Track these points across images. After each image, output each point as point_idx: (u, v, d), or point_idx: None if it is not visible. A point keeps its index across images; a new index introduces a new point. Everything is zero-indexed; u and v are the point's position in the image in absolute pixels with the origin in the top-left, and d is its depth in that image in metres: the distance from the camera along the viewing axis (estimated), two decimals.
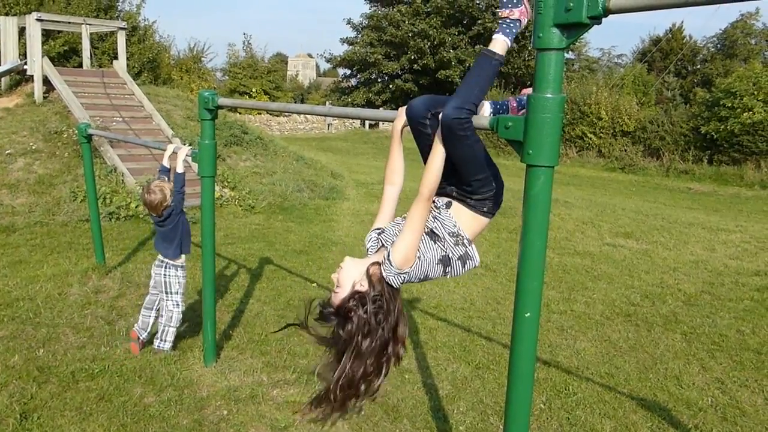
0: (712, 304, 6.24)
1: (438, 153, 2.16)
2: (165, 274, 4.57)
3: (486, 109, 2.39)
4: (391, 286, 2.21)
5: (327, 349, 2.26)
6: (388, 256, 2.17)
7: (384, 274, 2.19)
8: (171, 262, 4.59)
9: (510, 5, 2.25)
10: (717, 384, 4.41)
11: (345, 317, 2.15)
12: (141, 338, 4.57)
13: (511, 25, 2.26)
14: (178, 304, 4.57)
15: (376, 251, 2.34)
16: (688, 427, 3.78)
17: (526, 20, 2.27)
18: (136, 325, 4.66)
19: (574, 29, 1.79)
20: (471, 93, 2.16)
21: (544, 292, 2.07)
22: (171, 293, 4.57)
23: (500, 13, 2.28)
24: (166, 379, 4.14)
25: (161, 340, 4.57)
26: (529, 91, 2.35)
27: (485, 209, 2.33)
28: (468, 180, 2.26)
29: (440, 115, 2.17)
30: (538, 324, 2.07)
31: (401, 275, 2.19)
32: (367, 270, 2.19)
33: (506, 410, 2.18)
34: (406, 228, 2.18)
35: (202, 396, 3.95)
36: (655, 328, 5.49)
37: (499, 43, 2.23)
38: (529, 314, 2.03)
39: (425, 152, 2.41)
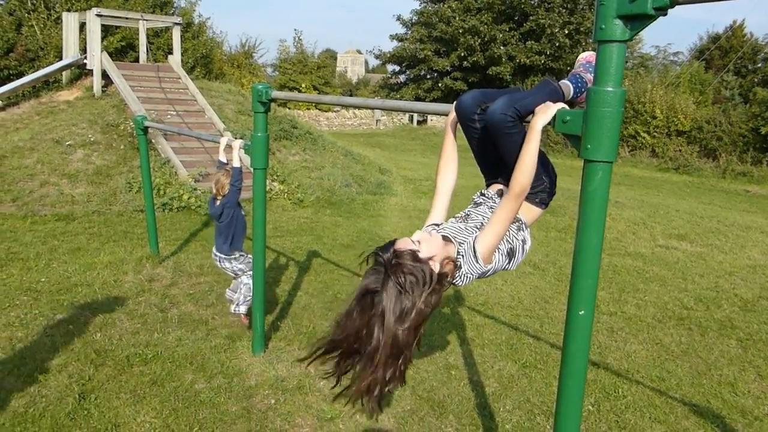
0: None
1: (527, 150, 2.07)
2: (224, 267, 4.78)
3: (571, 90, 2.37)
4: (452, 283, 2.14)
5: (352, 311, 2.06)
6: (474, 248, 2.11)
7: (463, 270, 2.10)
8: (224, 256, 4.72)
9: (591, 70, 2.40)
10: None
11: (395, 270, 1.94)
12: (239, 312, 4.83)
13: (581, 80, 2.39)
14: (251, 276, 4.70)
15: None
16: None
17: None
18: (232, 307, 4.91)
19: (638, 21, 1.74)
20: (522, 97, 2.15)
21: (596, 294, 2.03)
22: (240, 276, 4.82)
23: (576, 71, 2.48)
24: (216, 366, 4.23)
25: (236, 304, 4.81)
26: (587, 56, 2.39)
27: (538, 200, 2.32)
28: None
29: (488, 109, 2.16)
30: (592, 322, 2.04)
31: (476, 271, 2.14)
32: (444, 260, 2.07)
33: (557, 409, 2.15)
34: (495, 223, 2.13)
35: (250, 384, 4.02)
36: (710, 333, 5.34)
37: (564, 84, 2.33)
38: (583, 312, 1.99)
39: (475, 148, 2.40)
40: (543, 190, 2.31)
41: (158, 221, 7.32)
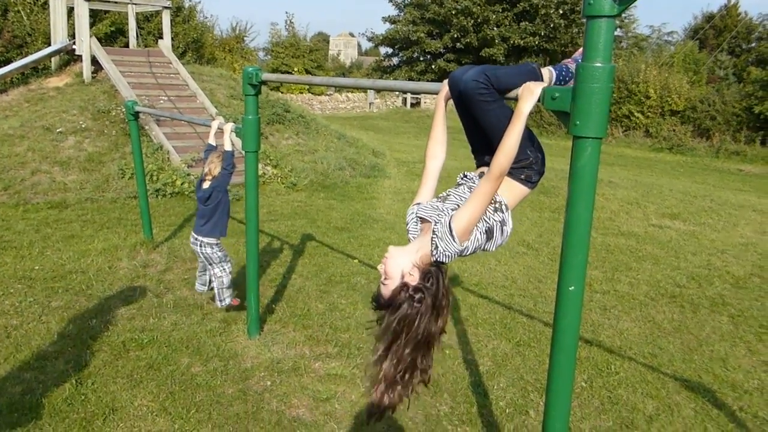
0: (761, 287, 6.09)
1: (511, 133, 2.08)
2: (202, 252, 4.64)
3: (553, 76, 2.36)
4: (440, 264, 2.21)
5: (378, 338, 2.24)
6: (449, 226, 2.14)
7: (440, 248, 2.16)
8: (203, 239, 4.61)
9: (577, 58, 2.37)
10: (764, 367, 4.32)
11: (397, 307, 2.14)
12: (225, 304, 4.77)
13: (566, 69, 2.35)
14: (224, 269, 4.67)
15: (420, 233, 2.31)
16: (733, 409, 3.72)
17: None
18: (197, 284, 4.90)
19: None
20: (496, 69, 2.18)
21: (587, 271, 2.05)
22: (214, 264, 4.67)
23: (564, 62, 2.43)
24: (212, 350, 4.25)
25: (218, 300, 4.74)
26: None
27: (523, 176, 2.29)
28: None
29: (462, 77, 2.17)
30: (582, 298, 2.06)
31: (454, 250, 2.17)
32: (415, 258, 2.18)
33: (548, 384, 2.17)
34: (473, 200, 2.15)
35: (246, 367, 4.04)
36: (701, 310, 5.39)
37: (546, 71, 2.31)
38: (573, 288, 2.01)
39: (466, 124, 2.40)
40: (528, 166, 2.27)
41: (152, 207, 7.31)
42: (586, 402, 3.74)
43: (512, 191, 2.30)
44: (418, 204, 2.36)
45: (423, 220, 2.31)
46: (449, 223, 2.15)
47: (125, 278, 5.58)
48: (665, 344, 4.64)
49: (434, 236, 2.18)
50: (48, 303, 4.93)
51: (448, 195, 2.35)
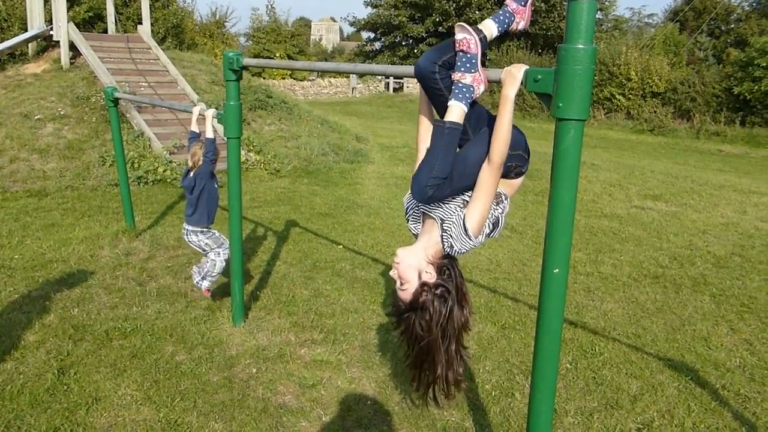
0: (742, 266, 6.16)
1: (502, 120, 2.08)
2: (190, 240, 4.64)
3: (493, 29, 2.32)
4: (453, 258, 2.22)
5: (408, 344, 2.28)
6: (464, 226, 2.16)
7: (455, 248, 2.19)
8: (191, 228, 4.59)
9: (463, 69, 2.18)
10: (745, 345, 4.37)
11: (424, 309, 2.17)
12: (201, 286, 4.72)
13: (464, 90, 2.18)
14: (219, 254, 4.64)
15: (422, 228, 2.35)
16: (716, 387, 3.77)
17: (482, 88, 2.20)
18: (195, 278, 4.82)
19: None
20: (435, 50, 2.23)
21: (571, 254, 2.06)
22: (208, 251, 4.67)
23: (453, 76, 2.21)
24: (197, 337, 4.23)
25: (201, 278, 4.67)
26: None
27: (513, 174, 2.31)
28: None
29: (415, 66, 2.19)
30: (566, 280, 2.06)
31: (469, 246, 2.19)
32: (427, 255, 2.22)
33: (534, 366, 2.18)
34: (481, 195, 2.15)
35: (231, 354, 4.03)
36: (684, 290, 5.44)
37: (454, 111, 2.20)
38: (557, 270, 2.01)
39: (441, 110, 2.38)
40: (518, 164, 2.31)
41: (134, 195, 7.23)
42: (571, 383, 3.77)
43: (510, 185, 2.31)
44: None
45: (425, 214, 2.29)
46: (464, 224, 2.16)
47: (107, 267, 5.52)
48: (648, 324, 4.68)
49: (446, 235, 2.19)
50: (28, 293, 4.86)
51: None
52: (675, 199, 9.27)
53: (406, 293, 2.21)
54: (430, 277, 2.20)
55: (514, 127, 2.27)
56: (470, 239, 2.17)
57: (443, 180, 2.15)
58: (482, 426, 3.33)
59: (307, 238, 6.62)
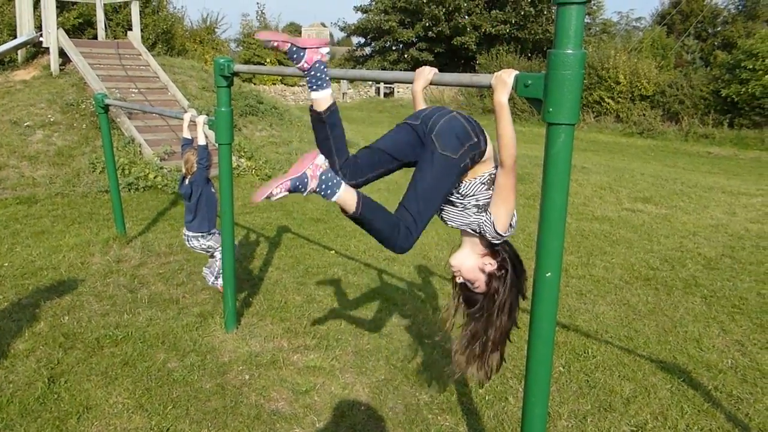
0: (732, 267, 6.19)
1: (503, 127, 2.12)
2: (192, 246, 4.75)
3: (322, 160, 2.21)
4: (503, 242, 2.40)
5: (468, 320, 2.53)
6: (496, 231, 2.30)
7: (493, 241, 2.36)
8: (192, 234, 4.68)
9: (296, 57, 2.42)
10: (737, 346, 4.39)
11: (493, 295, 2.40)
12: (216, 284, 4.91)
13: (315, 74, 2.40)
14: None
15: (461, 234, 2.48)
16: (708, 388, 3.78)
17: (322, 58, 2.39)
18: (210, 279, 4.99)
19: None
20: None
21: (562, 257, 2.07)
22: (213, 252, 4.86)
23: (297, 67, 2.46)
24: (189, 344, 4.20)
25: (215, 278, 4.90)
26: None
27: (469, 160, 2.34)
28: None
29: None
30: (559, 284, 2.07)
31: (504, 238, 2.36)
32: (478, 251, 2.40)
33: (527, 370, 2.18)
34: (502, 200, 2.27)
35: (224, 361, 4.01)
36: (675, 292, 5.46)
37: (318, 101, 2.39)
38: (549, 274, 2.02)
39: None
40: (474, 152, 2.30)
41: (124, 201, 7.20)
42: (564, 386, 3.78)
43: (483, 165, 2.32)
44: (441, 209, 2.44)
45: (465, 233, 2.44)
46: (495, 230, 2.31)
47: (98, 274, 5.49)
48: (640, 327, 4.70)
49: (484, 237, 2.36)
50: (18, 300, 4.83)
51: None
52: (665, 201, 9.32)
53: (479, 289, 2.42)
54: (491, 266, 2.39)
55: (462, 115, 2.31)
56: (502, 236, 2.32)
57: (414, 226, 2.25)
58: (476, 430, 3.33)
59: (299, 244, 6.61)
